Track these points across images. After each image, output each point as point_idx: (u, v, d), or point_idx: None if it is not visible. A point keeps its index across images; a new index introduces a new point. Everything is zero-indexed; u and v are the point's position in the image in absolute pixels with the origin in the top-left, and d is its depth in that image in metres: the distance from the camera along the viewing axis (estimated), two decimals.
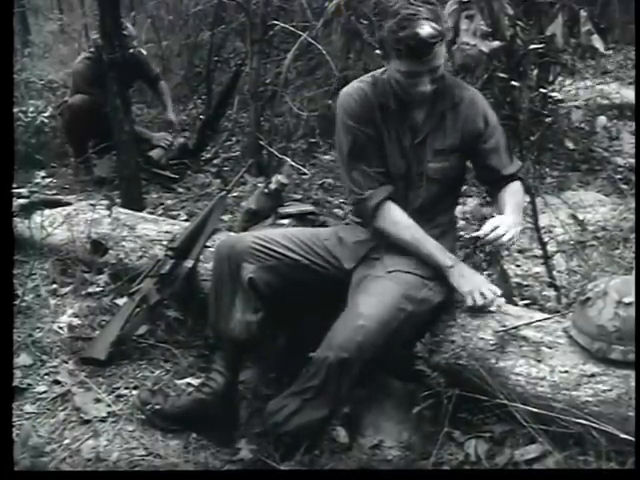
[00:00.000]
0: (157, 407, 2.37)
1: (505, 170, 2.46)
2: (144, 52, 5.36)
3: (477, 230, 2.86)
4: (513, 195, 2.43)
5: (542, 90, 3.88)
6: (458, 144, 2.41)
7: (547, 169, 4.73)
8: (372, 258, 2.36)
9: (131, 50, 4.87)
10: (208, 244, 2.88)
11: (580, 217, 3.64)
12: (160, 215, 3.79)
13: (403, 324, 2.20)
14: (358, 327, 2.10)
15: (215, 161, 5.23)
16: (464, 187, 4.27)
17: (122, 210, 3.38)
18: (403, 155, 2.40)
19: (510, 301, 2.61)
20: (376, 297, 2.19)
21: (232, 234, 2.97)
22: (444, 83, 2.33)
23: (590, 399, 2.08)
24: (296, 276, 2.41)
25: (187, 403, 2.37)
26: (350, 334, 2.09)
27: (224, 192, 3.08)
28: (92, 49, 5.08)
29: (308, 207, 3.03)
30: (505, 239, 2.28)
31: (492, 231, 2.28)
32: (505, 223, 2.30)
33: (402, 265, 2.30)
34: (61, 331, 2.79)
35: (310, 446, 2.20)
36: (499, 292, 2.33)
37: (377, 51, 2.30)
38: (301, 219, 3.00)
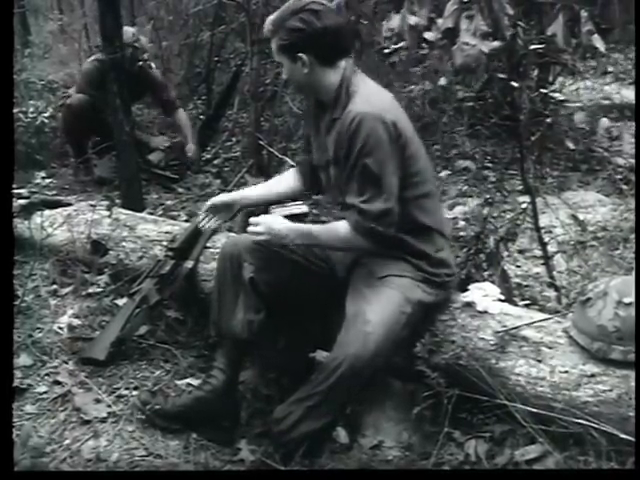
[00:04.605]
0: (157, 407, 2.37)
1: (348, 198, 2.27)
2: (153, 65, 5.26)
3: (477, 231, 2.89)
4: (327, 228, 2.36)
5: (542, 90, 3.89)
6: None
7: (547, 169, 4.74)
8: (361, 264, 2.35)
9: (140, 62, 4.85)
10: (208, 245, 2.88)
11: (580, 217, 3.64)
12: (160, 215, 3.78)
13: (405, 326, 2.21)
14: (368, 334, 2.11)
15: (215, 161, 5.23)
16: (464, 187, 4.33)
17: (122, 210, 3.38)
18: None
19: (510, 301, 2.61)
20: (379, 304, 2.19)
21: (233, 235, 2.97)
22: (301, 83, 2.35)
23: (590, 399, 2.08)
24: (296, 277, 2.42)
25: (188, 401, 2.37)
26: (361, 342, 2.10)
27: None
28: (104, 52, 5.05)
29: (303, 208, 3.01)
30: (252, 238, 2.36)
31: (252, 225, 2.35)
32: (270, 226, 2.33)
33: (391, 269, 2.30)
34: (61, 331, 2.79)
35: (312, 450, 2.20)
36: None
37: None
38: (298, 220, 2.99)
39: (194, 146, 5.13)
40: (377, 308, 2.18)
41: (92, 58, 5.15)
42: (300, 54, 2.24)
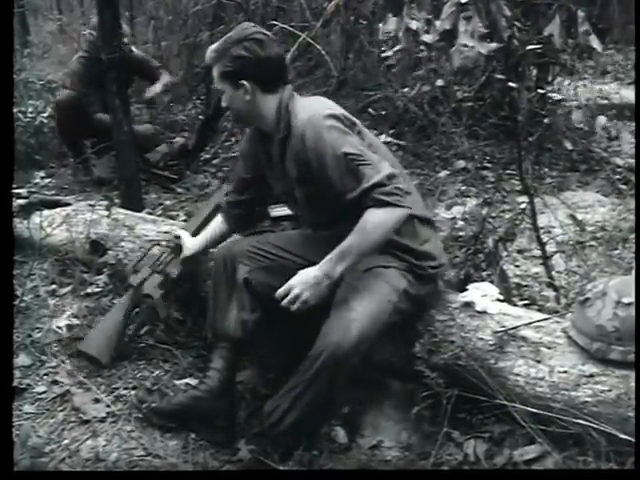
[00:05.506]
0: (153, 405, 2.39)
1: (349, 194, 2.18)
2: (133, 49, 5.24)
3: (476, 232, 2.89)
4: (354, 232, 2.15)
5: (540, 91, 3.89)
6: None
7: (546, 169, 4.75)
8: None
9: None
10: None
11: (579, 217, 3.63)
12: (159, 215, 3.79)
13: (391, 315, 2.21)
14: (350, 322, 2.11)
15: (214, 161, 5.23)
16: (463, 187, 4.33)
17: (121, 210, 3.38)
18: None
19: (509, 301, 2.61)
20: (364, 293, 2.20)
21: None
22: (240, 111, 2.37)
23: (589, 399, 2.08)
24: (291, 276, 2.42)
25: (183, 400, 2.39)
26: (343, 330, 2.10)
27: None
28: (86, 48, 5.05)
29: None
30: (294, 307, 2.20)
31: (286, 295, 2.21)
32: (303, 281, 2.19)
33: (376, 261, 2.29)
34: (60, 331, 2.79)
35: (307, 444, 2.21)
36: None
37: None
38: (296, 220, 2.99)
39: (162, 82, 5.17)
40: (361, 297, 2.19)
41: (77, 55, 5.16)
42: (243, 81, 2.29)
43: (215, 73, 2.34)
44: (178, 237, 2.78)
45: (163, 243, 2.88)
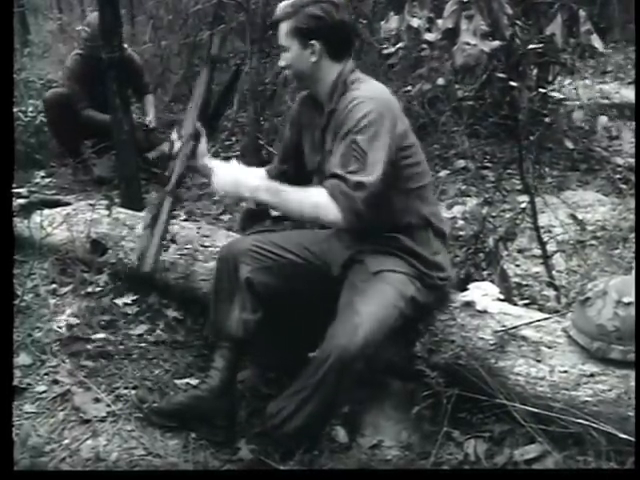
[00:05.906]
0: (154, 404, 2.38)
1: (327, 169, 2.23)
2: (126, 46, 5.22)
3: (476, 231, 2.90)
4: (298, 190, 2.21)
5: (541, 90, 3.89)
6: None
7: (546, 169, 4.75)
8: (356, 262, 2.35)
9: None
10: (207, 243, 2.88)
11: (579, 217, 3.63)
12: None
13: (397, 321, 2.21)
14: (357, 326, 2.10)
15: None
16: (463, 187, 4.33)
17: (121, 210, 3.38)
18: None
19: (510, 301, 2.61)
20: (371, 297, 2.19)
21: (232, 234, 2.98)
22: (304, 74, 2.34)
23: (589, 399, 2.08)
24: (293, 276, 2.42)
25: (183, 399, 2.38)
26: (350, 333, 2.09)
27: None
28: (82, 45, 5.04)
29: None
30: (210, 181, 2.32)
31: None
32: (232, 174, 2.29)
33: (386, 265, 2.29)
34: (60, 330, 2.79)
35: (310, 446, 2.20)
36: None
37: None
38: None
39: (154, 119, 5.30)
40: (368, 300, 2.18)
41: (74, 52, 5.15)
42: (313, 41, 2.26)
43: (284, 29, 2.30)
44: (198, 134, 2.69)
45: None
